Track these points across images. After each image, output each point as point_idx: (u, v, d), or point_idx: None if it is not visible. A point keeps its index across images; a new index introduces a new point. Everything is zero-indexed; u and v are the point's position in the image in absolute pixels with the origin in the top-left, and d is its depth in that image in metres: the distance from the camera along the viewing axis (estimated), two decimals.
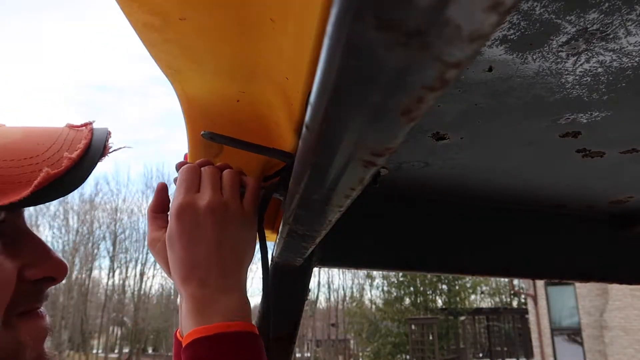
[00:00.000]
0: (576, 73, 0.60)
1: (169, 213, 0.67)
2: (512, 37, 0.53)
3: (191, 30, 0.57)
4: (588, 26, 0.51)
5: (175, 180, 0.68)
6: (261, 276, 0.73)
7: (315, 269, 1.04)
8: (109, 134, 0.60)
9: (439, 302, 25.47)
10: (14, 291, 0.50)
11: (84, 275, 30.17)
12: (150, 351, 32.61)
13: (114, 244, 32.68)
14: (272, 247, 0.96)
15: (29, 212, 0.66)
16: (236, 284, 0.61)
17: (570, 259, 1.24)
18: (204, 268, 0.60)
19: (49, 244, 0.57)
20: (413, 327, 19.66)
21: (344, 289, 31.92)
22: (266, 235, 0.98)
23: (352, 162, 0.33)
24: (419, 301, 24.91)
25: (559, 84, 0.62)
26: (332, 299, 31.56)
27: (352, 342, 28.69)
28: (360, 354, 27.33)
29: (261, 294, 0.82)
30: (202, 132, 0.68)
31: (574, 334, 13.95)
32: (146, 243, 0.74)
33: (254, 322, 0.64)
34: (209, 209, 0.61)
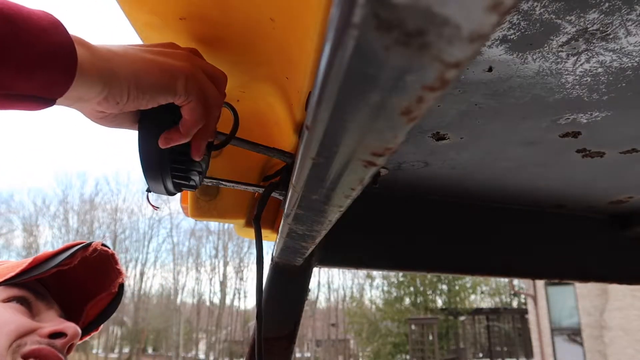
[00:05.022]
0: (576, 73, 0.60)
1: None
2: (512, 37, 0.53)
3: (191, 30, 0.57)
4: (588, 26, 0.51)
5: None
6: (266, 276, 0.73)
7: (315, 269, 1.04)
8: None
9: (439, 302, 25.46)
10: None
11: None
12: (150, 351, 32.62)
13: (114, 244, 32.65)
14: (272, 247, 0.96)
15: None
16: None
17: (570, 259, 1.24)
18: None
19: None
20: (413, 327, 19.64)
21: (344, 289, 31.93)
22: (266, 235, 0.98)
23: (352, 162, 0.33)
24: (419, 301, 24.89)
25: (559, 84, 0.62)
26: (332, 299, 31.58)
27: (352, 342, 28.66)
28: (360, 354, 27.30)
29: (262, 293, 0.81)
30: None
31: (574, 334, 13.93)
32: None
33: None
34: None
